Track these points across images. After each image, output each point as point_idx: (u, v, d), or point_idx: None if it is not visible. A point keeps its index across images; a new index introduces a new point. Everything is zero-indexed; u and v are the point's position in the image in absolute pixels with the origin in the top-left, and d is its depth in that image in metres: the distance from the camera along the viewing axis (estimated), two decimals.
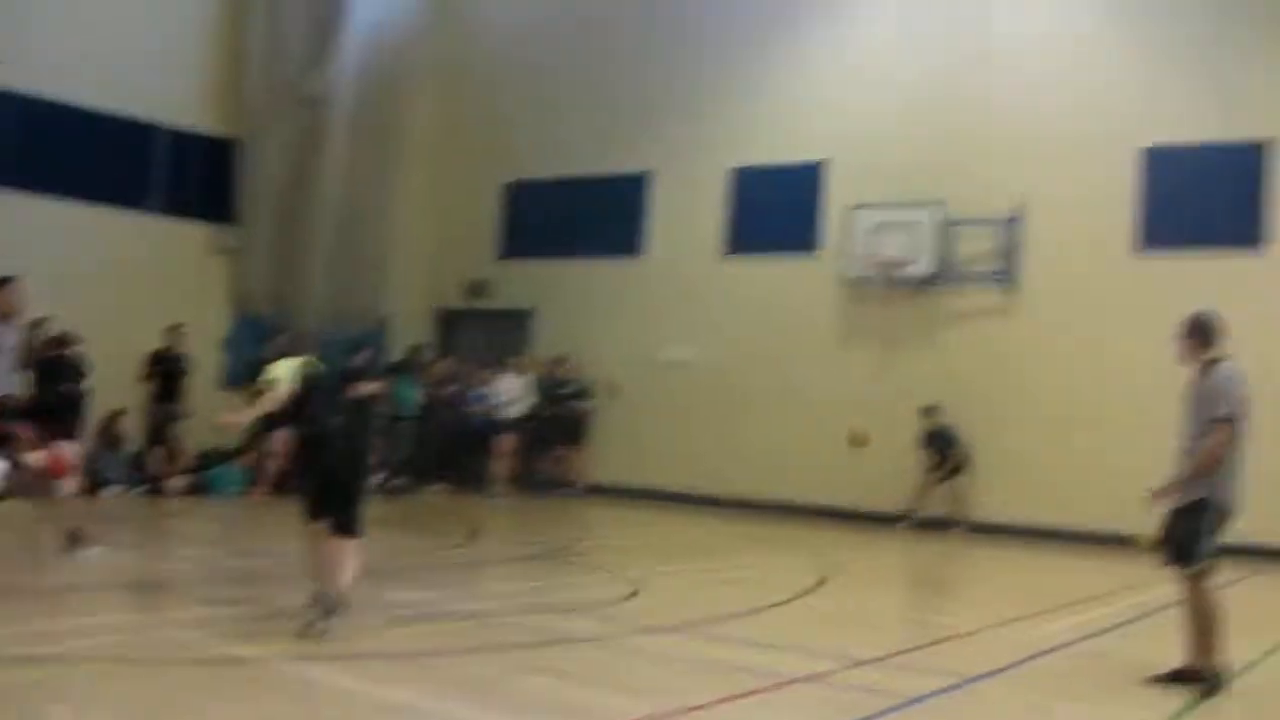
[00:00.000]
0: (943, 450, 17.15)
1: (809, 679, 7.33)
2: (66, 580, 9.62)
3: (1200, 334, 7.39)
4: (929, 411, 17.18)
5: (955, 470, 17.16)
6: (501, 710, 6.19)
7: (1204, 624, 7.17)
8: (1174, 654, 7.48)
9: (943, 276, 17.74)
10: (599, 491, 19.38)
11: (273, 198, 19.40)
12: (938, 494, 17.22)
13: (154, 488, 15.47)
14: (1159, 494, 7.20)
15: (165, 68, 18.32)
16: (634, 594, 10.02)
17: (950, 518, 17.07)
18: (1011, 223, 17.29)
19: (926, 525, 16.89)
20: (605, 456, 19.84)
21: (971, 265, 17.68)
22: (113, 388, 15.70)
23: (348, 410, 7.96)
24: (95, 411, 15.81)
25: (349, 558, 7.67)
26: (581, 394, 19.87)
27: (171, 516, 11.03)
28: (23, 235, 15.44)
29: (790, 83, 19.41)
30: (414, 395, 18.87)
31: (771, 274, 19.21)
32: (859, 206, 18.18)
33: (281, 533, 7.56)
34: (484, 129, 22.07)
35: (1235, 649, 7.57)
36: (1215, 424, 7.02)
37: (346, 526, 7.68)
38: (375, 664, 7.03)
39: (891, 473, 17.52)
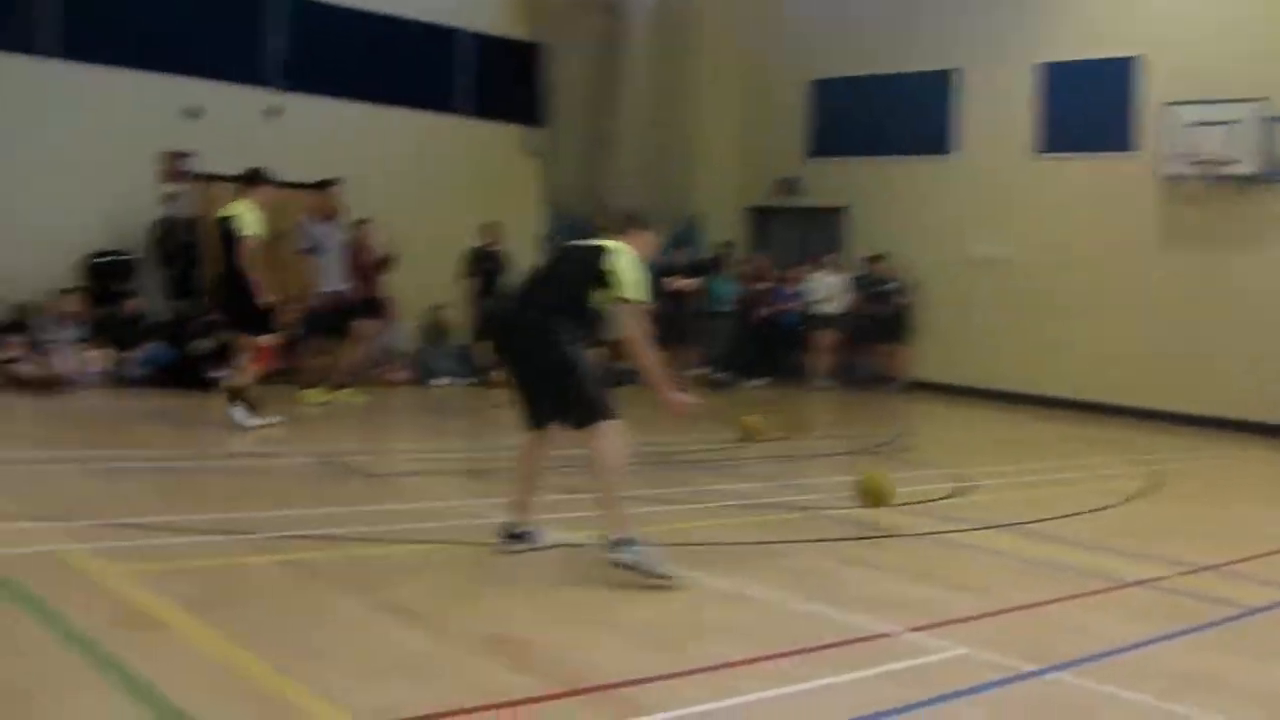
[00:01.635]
0: None
1: (1142, 584, 7.14)
2: (404, 467, 10.32)
3: None
4: None
5: None
6: (829, 602, 6.27)
7: None
8: None
9: (1268, 176, 16.54)
10: (918, 388, 19.21)
11: (578, 100, 19.70)
12: None
13: (480, 380, 16.04)
14: None
15: None
16: (959, 491, 9.96)
17: None
18: None
19: None
20: (923, 353, 19.63)
21: None
22: (432, 283, 16.42)
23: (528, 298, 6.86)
24: (419, 305, 16.68)
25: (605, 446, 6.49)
26: (900, 291, 19.65)
27: (497, 408, 11.39)
28: (335, 139, 16.23)
29: None
30: (729, 291, 19.10)
31: (1085, 172, 18.32)
32: (1175, 103, 17.08)
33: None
34: (788, 27, 21.81)
35: None
36: None
37: (578, 419, 6.58)
38: (701, 552, 7.23)
39: (1213, 377, 16.74)
